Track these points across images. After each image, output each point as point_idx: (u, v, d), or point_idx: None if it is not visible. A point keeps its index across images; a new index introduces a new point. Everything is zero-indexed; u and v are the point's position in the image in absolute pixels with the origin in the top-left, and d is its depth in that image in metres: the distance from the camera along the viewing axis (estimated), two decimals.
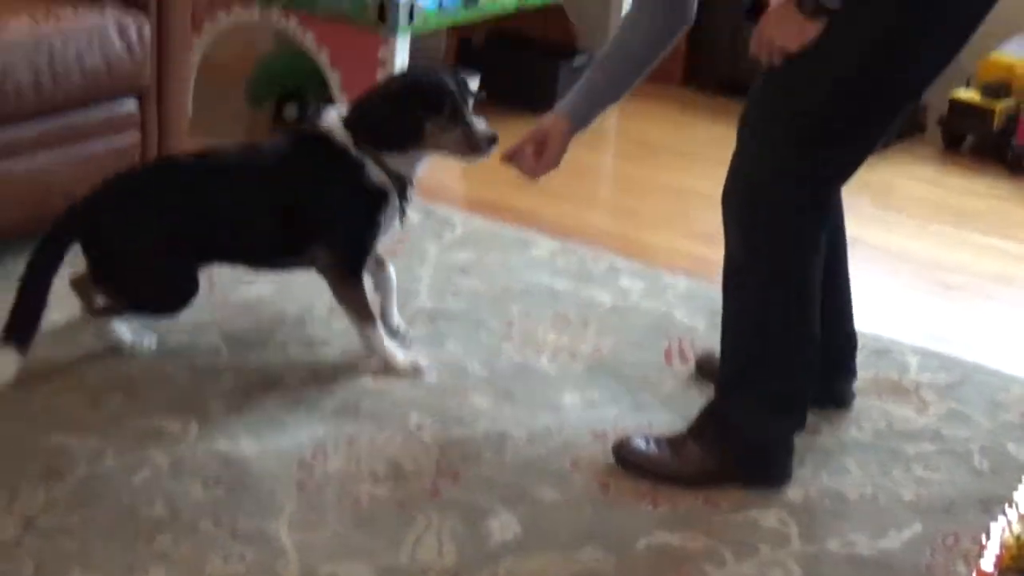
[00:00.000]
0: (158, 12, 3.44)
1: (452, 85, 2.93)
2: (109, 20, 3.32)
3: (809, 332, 2.65)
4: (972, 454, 2.87)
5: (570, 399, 2.96)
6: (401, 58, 4.20)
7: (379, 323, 3.02)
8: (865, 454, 2.83)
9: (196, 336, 3.07)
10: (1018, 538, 2.42)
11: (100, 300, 2.99)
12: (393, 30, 4.15)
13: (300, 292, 3.30)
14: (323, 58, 4.30)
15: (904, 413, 3.02)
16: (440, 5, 4.30)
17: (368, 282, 3.04)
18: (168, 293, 2.94)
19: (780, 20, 2.51)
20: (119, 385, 2.83)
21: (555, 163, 2.85)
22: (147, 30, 3.39)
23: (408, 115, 2.89)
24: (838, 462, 2.80)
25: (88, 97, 3.31)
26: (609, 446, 2.74)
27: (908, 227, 4.28)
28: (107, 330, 2.97)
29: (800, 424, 2.73)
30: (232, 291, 3.29)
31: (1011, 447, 2.91)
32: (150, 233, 2.87)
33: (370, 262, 3.04)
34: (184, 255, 2.90)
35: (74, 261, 2.94)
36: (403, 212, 2.99)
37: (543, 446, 2.76)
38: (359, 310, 2.98)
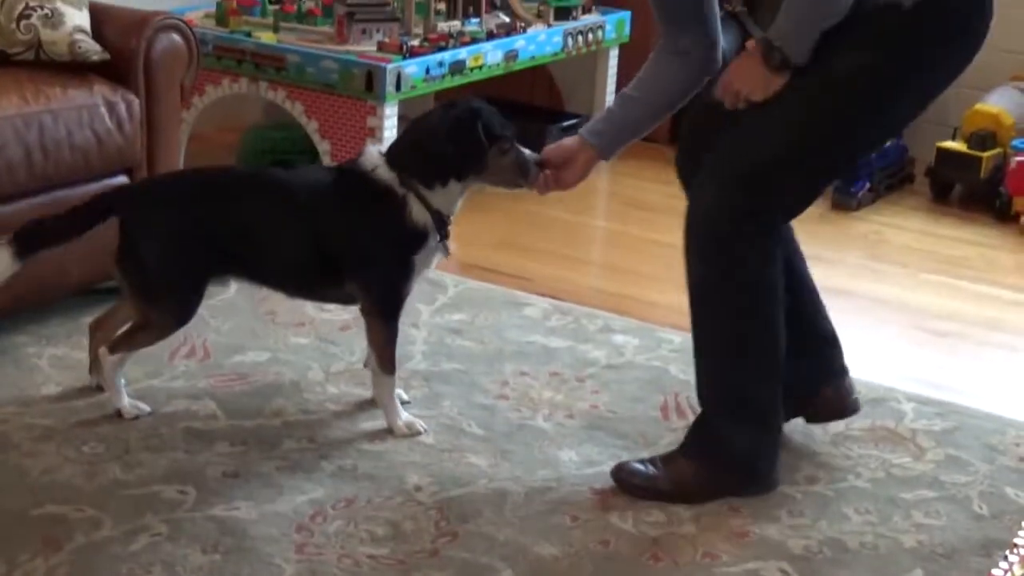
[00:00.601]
0: (147, 88, 3.47)
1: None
2: (98, 98, 3.35)
3: (771, 343, 2.74)
4: (971, 499, 2.87)
5: (567, 456, 2.95)
6: (390, 126, 4.24)
7: (395, 379, 3.02)
8: (864, 502, 2.83)
9: (192, 403, 3.06)
10: None
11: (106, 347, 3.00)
12: (381, 98, 4.20)
13: (295, 358, 3.31)
14: (312, 128, 4.34)
15: (902, 460, 3.02)
16: (427, 72, 4.34)
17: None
18: (180, 294, 2.93)
19: (747, 72, 2.58)
20: (116, 453, 2.83)
21: (572, 184, 2.89)
22: (136, 106, 3.43)
23: (474, 142, 2.87)
24: (837, 511, 2.79)
25: (79, 173, 3.33)
26: (609, 502, 2.75)
27: (899, 276, 4.30)
28: (110, 380, 2.97)
29: (778, 429, 2.82)
30: (227, 358, 3.30)
31: (1009, 491, 2.91)
32: (184, 229, 2.87)
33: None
34: (208, 261, 2.90)
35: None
36: (445, 249, 2.97)
37: (542, 503, 2.76)
38: (382, 359, 2.98)
